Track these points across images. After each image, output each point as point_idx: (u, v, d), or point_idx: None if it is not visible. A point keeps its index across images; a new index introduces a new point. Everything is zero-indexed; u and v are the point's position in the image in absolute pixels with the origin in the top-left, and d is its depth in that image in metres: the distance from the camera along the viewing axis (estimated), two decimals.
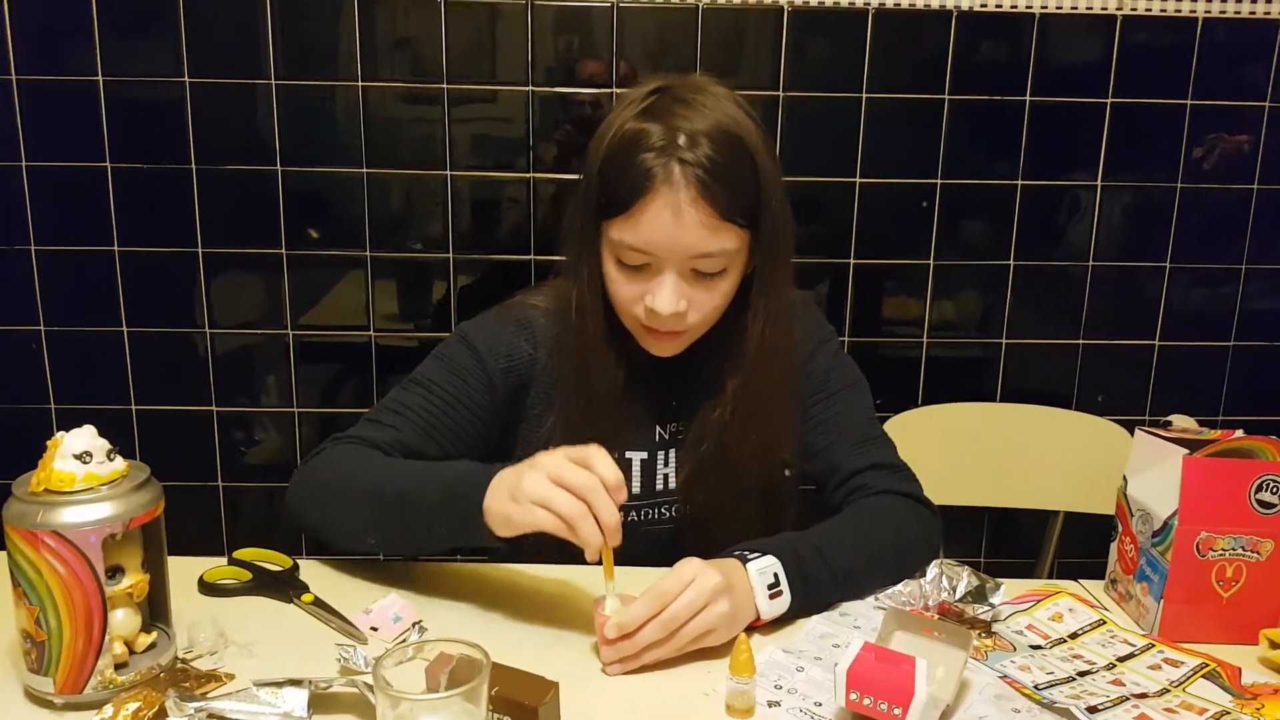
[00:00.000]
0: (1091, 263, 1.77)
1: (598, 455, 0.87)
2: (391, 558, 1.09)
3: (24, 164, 1.67)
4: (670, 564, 0.92)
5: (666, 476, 1.16)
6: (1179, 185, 1.74)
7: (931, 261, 1.76)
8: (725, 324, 1.09)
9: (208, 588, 1.02)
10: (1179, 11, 1.67)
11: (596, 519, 0.85)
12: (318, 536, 1.09)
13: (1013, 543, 1.85)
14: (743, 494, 1.12)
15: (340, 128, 1.69)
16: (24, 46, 1.63)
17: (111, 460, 0.81)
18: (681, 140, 0.98)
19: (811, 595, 0.97)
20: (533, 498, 0.87)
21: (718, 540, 0.98)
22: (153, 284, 1.73)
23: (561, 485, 0.86)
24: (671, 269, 1.00)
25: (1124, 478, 1.04)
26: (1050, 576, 1.59)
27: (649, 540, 0.89)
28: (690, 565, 0.90)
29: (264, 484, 1.82)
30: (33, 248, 1.70)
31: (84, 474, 0.79)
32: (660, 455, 1.16)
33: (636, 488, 1.15)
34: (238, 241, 1.72)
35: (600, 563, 0.89)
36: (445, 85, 1.67)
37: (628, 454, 1.14)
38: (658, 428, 1.16)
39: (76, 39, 1.63)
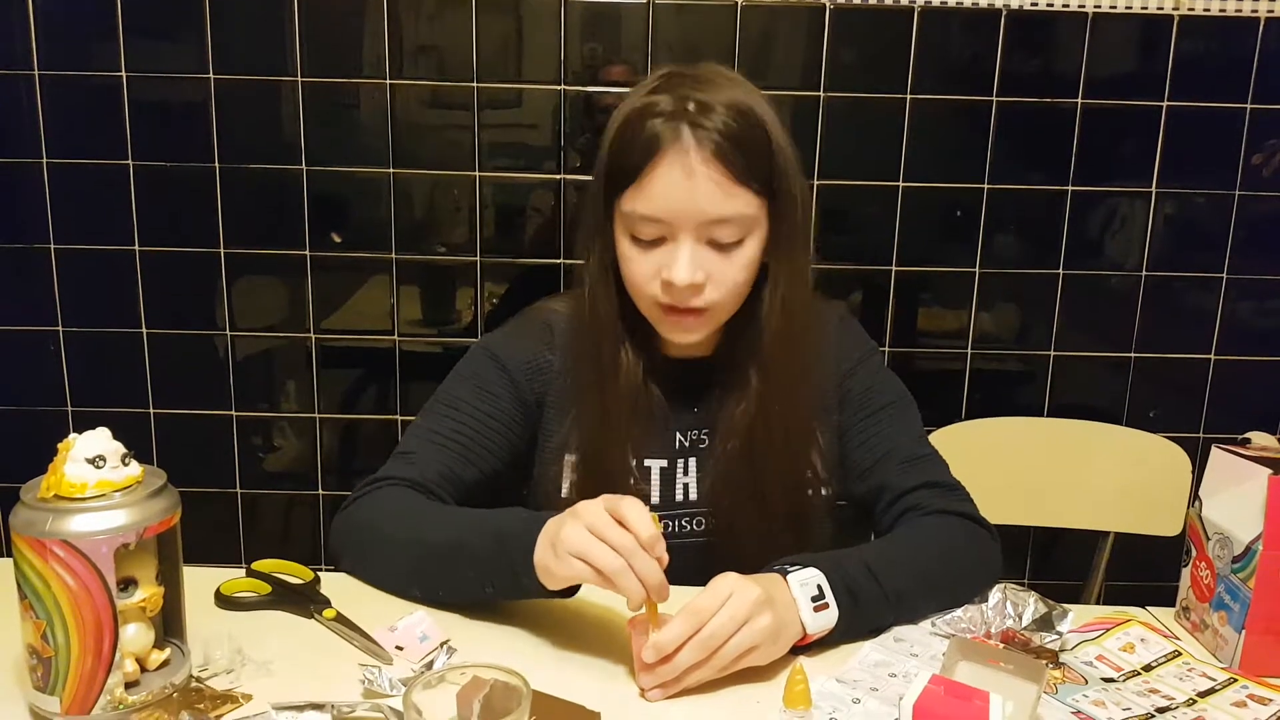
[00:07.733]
0: (1144, 273, 1.71)
1: (631, 510, 0.82)
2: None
3: (44, 161, 1.64)
4: (699, 583, 0.86)
5: (687, 487, 1.11)
6: (1236, 193, 1.68)
7: (977, 270, 1.70)
8: (745, 316, 1.04)
9: (225, 601, 0.97)
10: (1239, 11, 1.61)
11: (638, 575, 0.80)
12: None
13: (1059, 564, 1.78)
14: (772, 504, 1.07)
15: (366, 128, 1.65)
16: (47, 42, 1.61)
17: (126, 465, 0.77)
18: (692, 106, 0.95)
19: (860, 612, 0.91)
20: (572, 550, 0.82)
21: (749, 560, 0.92)
22: (173, 285, 1.70)
23: (601, 539, 0.81)
24: (687, 237, 0.96)
25: (1198, 498, 0.97)
26: (1099, 600, 1.53)
27: (673, 555, 0.85)
28: (727, 580, 0.85)
29: (283, 491, 1.78)
30: (52, 246, 1.67)
31: (96, 480, 0.75)
32: (680, 464, 1.11)
33: (656, 498, 1.10)
34: (260, 243, 1.69)
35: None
36: (475, 84, 1.63)
37: (647, 461, 1.09)
38: (678, 434, 1.11)
39: (100, 34, 1.60)
